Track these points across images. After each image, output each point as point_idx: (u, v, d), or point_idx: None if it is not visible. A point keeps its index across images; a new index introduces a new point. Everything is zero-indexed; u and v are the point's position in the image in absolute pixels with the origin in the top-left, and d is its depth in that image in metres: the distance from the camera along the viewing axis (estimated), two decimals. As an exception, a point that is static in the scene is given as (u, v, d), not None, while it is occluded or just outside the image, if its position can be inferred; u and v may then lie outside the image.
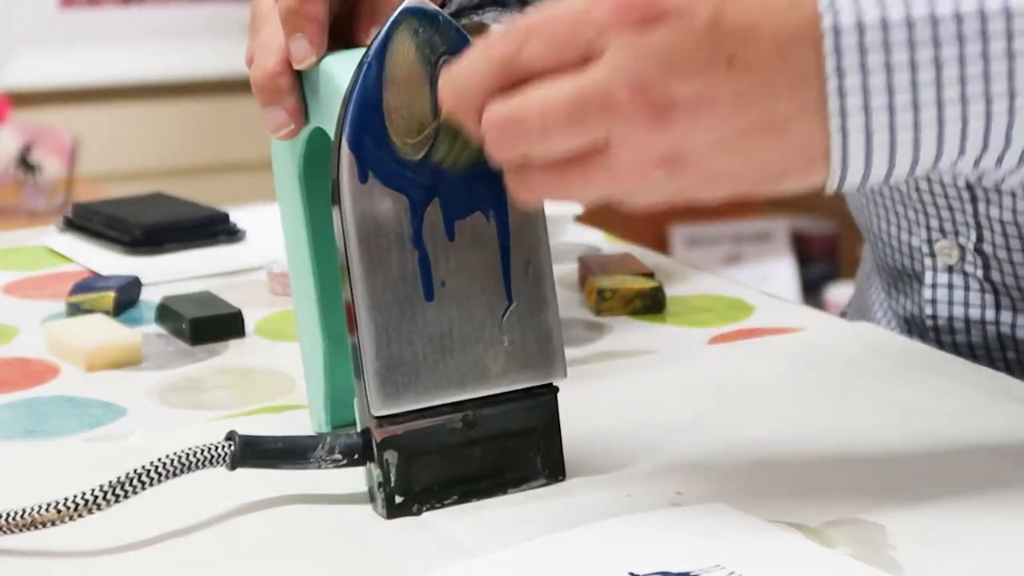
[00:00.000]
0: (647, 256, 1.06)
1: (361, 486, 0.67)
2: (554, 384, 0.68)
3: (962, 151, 0.64)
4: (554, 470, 0.68)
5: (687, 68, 0.61)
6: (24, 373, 0.86)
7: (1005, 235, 0.90)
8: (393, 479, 0.66)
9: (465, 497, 0.67)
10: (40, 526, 0.63)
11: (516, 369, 0.67)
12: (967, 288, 0.93)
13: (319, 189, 0.72)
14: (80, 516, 0.63)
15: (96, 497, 0.63)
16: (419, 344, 0.65)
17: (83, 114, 3.06)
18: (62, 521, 0.63)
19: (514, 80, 0.62)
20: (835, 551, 0.61)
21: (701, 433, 0.74)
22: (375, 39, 0.65)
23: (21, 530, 0.63)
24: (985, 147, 0.64)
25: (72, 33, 3.10)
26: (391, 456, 0.65)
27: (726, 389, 0.80)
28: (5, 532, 0.63)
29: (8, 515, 0.63)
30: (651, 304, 0.94)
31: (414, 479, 0.66)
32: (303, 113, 0.70)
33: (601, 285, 0.94)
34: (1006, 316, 0.93)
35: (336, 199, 0.65)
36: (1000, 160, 0.64)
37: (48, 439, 0.76)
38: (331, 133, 0.67)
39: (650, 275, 0.97)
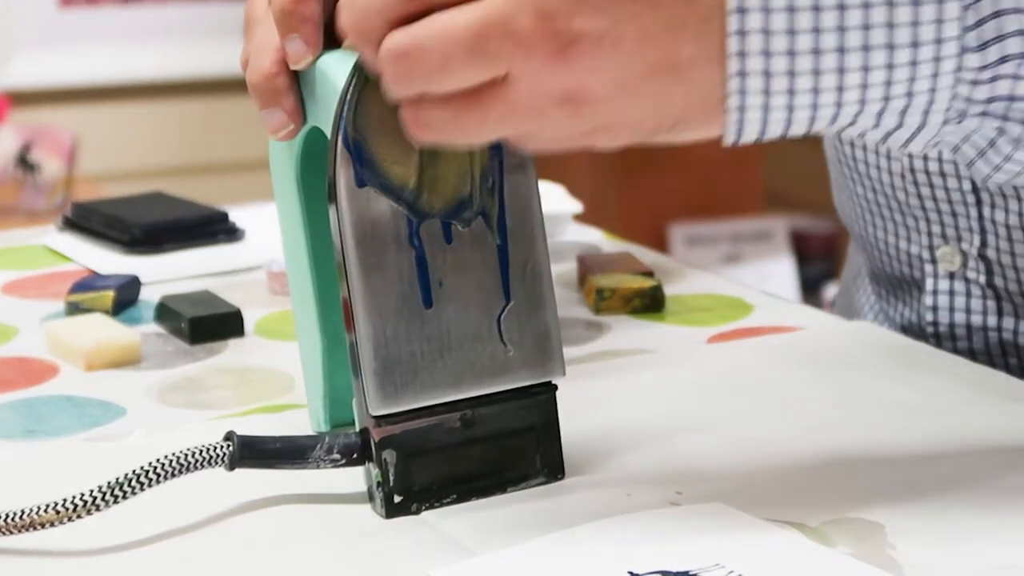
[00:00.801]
0: (646, 255, 1.06)
1: (360, 486, 0.67)
2: (553, 383, 0.68)
3: (862, 102, 0.63)
4: (553, 469, 0.68)
5: (592, 2, 0.59)
6: (23, 373, 0.86)
7: (1010, 239, 0.90)
8: (392, 478, 0.65)
9: (464, 496, 0.67)
10: (39, 527, 0.63)
11: (515, 368, 0.67)
12: (968, 295, 0.93)
13: (316, 188, 0.72)
14: (79, 517, 0.63)
15: (95, 498, 0.63)
16: (417, 343, 0.65)
17: (82, 113, 3.06)
18: (61, 522, 0.63)
19: (416, 10, 0.60)
20: (834, 550, 0.61)
21: (700, 432, 0.74)
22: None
23: (20, 531, 0.63)
24: (886, 98, 0.63)
25: (71, 33, 3.10)
26: (390, 455, 0.65)
27: (725, 388, 0.80)
28: (4, 533, 0.63)
29: (7, 516, 0.63)
30: (650, 303, 0.94)
31: (413, 478, 0.66)
32: (301, 113, 0.70)
33: (600, 284, 0.94)
34: (1008, 322, 0.92)
35: (333, 198, 0.64)
36: (903, 113, 0.64)
37: (47, 439, 0.76)
38: (328, 133, 0.67)
39: (649, 274, 0.97)
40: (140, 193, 1.23)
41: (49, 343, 0.89)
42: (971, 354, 0.93)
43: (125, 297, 0.97)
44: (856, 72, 0.62)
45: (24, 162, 2.74)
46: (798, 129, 0.63)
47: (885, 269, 1.00)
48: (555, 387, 0.68)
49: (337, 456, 0.66)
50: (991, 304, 0.93)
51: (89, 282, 0.97)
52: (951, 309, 0.94)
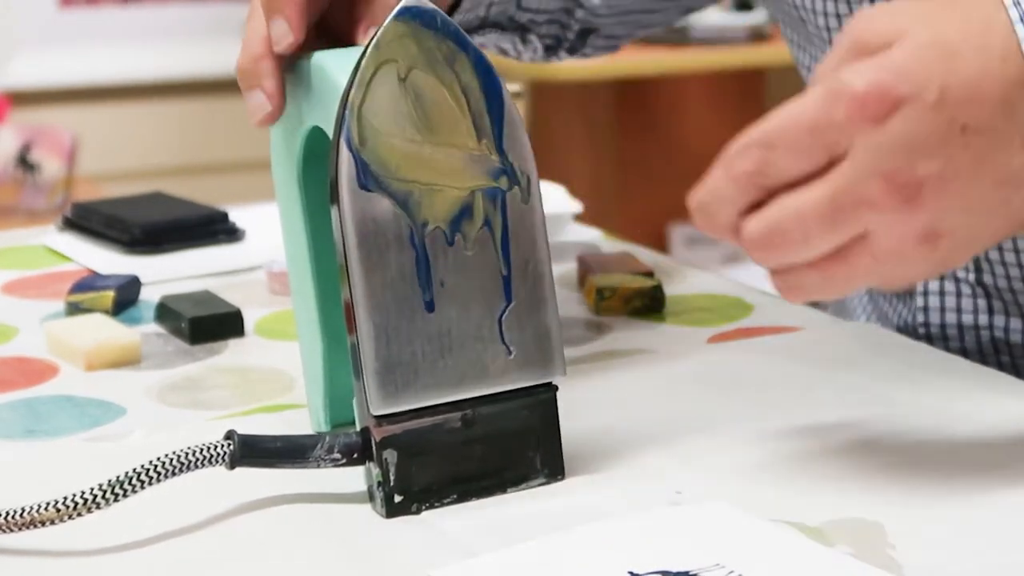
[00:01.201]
0: (646, 255, 1.06)
1: (360, 485, 0.67)
2: (553, 383, 0.68)
3: None
4: (553, 469, 0.68)
5: (927, 148, 0.63)
6: (23, 372, 0.86)
7: None
8: (392, 478, 0.66)
9: (464, 496, 0.67)
10: (39, 525, 0.63)
11: (515, 368, 0.67)
12: (959, 294, 0.93)
13: (318, 189, 0.72)
14: (79, 515, 0.63)
15: (95, 496, 0.63)
16: (418, 343, 0.65)
17: (82, 113, 3.06)
18: (61, 520, 0.63)
19: (763, 194, 0.64)
20: (834, 550, 0.61)
21: (700, 432, 0.74)
22: (372, 37, 0.65)
23: (20, 529, 0.63)
24: None
25: (71, 33, 3.11)
26: (390, 455, 0.65)
27: (725, 388, 0.80)
28: (4, 531, 0.63)
29: (7, 514, 0.63)
30: (650, 303, 0.94)
31: (413, 478, 0.66)
32: (282, 97, 0.70)
33: (600, 284, 0.94)
34: (999, 320, 0.92)
35: (335, 199, 0.65)
36: None
37: (47, 438, 0.76)
38: (329, 132, 0.67)
39: (649, 274, 0.97)
40: (140, 193, 1.23)
41: (49, 343, 0.89)
42: (963, 353, 0.93)
43: (125, 297, 0.97)
44: None
45: (24, 162, 2.75)
46: None
47: None
48: (555, 387, 0.68)
49: (338, 456, 0.66)
50: (981, 303, 0.93)
51: (89, 282, 0.97)
52: (942, 309, 0.94)
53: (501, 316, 0.67)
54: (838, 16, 0.91)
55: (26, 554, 0.63)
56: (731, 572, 0.59)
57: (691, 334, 0.90)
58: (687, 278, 1.01)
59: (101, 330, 0.88)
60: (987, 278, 0.91)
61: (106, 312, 0.94)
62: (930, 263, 0.66)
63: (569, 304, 0.96)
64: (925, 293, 0.94)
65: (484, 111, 0.66)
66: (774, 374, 0.82)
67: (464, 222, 0.66)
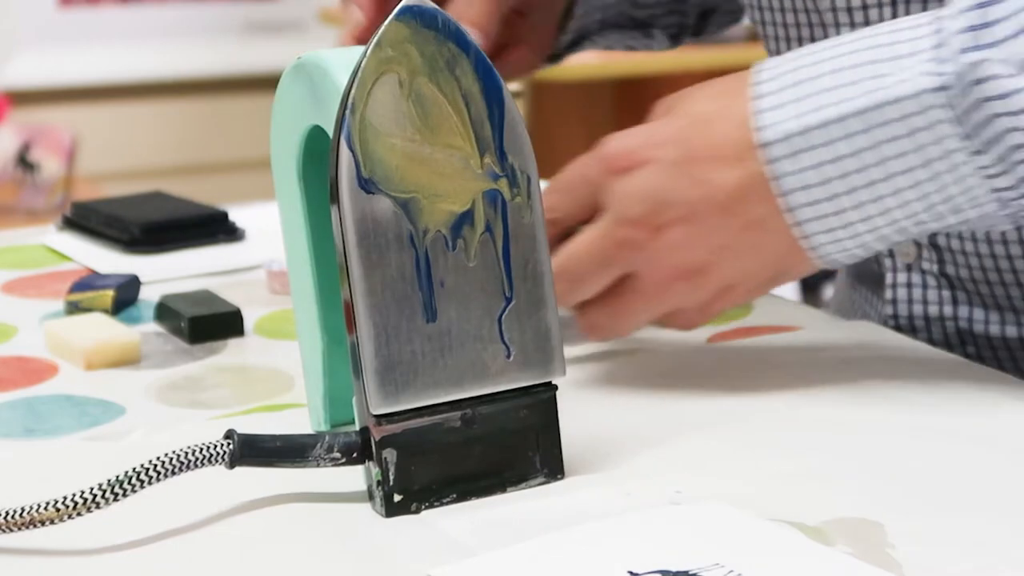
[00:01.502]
0: (646, 255, 1.05)
1: (360, 485, 0.67)
2: (553, 382, 0.68)
3: (913, 214, 0.75)
4: (553, 468, 0.68)
5: (671, 197, 0.75)
6: (23, 372, 0.86)
7: None
8: (392, 477, 0.66)
9: (464, 495, 0.67)
10: (39, 525, 0.63)
11: (515, 367, 0.67)
12: (925, 286, 0.95)
13: (318, 188, 0.72)
14: (79, 515, 0.63)
15: (95, 496, 0.63)
16: (418, 343, 0.65)
17: (82, 113, 3.06)
18: (61, 520, 0.63)
19: (556, 233, 0.78)
20: (834, 549, 0.61)
21: (700, 432, 0.74)
22: (373, 37, 0.65)
23: (20, 529, 0.63)
24: (930, 205, 0.74)
25: (71, 32, 3.11)
26: (390, 454, 0.65)
27: (725, 387, 0.80)
28: (4, 531, 0.63)
29: (7, 514, 0.63)
30: (650, 303, 0.94)
31: (413, 477, 0.66)
32: (379, 13, 0.84)
33: (600, 284, 0.94)
34: (963, 311, 0.94)
35: (335, 198, 0.65)
36: (958, 211, 0.74)
37: (47, 438, 0.76)
38: (329, 132, 0.67)
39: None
40: (140, 192, 1.23)
41: (49, 342, 0.89)
42: (931, 344, 0.94)
43: (125, 296, 0.97)
44: (892, 197, 0.74)
45: (24, 162, 2.75)
46: (878, 244, 0.76)
47: (857, 265, 1.01)
48: (555, 387, 0.68)
49: (337, 455, 0.66)
50: (946, 294, 0.94)
51: (89, 281, 0.97)
52: (909, 301, 0.96)
53: (501, 316, 0.67)
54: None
55: (26, 554, 0.63)
56: (730, 572, 0.59)
57: (691, 334, 0.90)
58: (687, 278, 1.01)
59: (101, 329, 0.88)
60: (950, 269, 0.92)
61: (106, 311, 0.94)
62: (698, 299, 0.78)
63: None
64: (894, 286, 0.96)
65: (485, 119, 0.66)
66: (773, 374, 0.82)
67: (465, 228, 0.66)
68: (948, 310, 0.94)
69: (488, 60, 0.66)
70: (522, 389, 0.67)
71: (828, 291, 2.76)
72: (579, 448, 0.70)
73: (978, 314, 0.94)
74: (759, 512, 0.64)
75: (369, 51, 0.65)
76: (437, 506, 0.66)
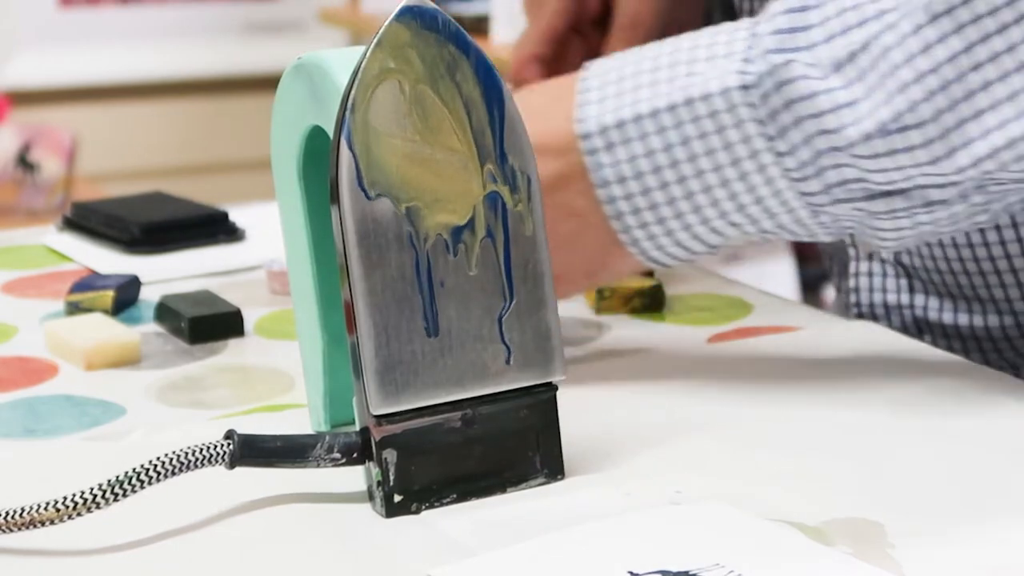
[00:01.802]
0: (646, 255, 1.05)
1: (360, 485, 0.67)
2: (553, 383, 0.68)
3: (731, 222, 0.77)
4: (553, 469, 0.68)
5: None
6: (23, 372, 0.86)
7: None
8: (392, 478, 0.66)
9: (464, 496, 0.67)
10: (39, 525, 0.63)
11: (515, 368, 0.67)
12: (884, 274, 0.96)
13: (318, 188, 0.72)
14: (79, 515, 0.63)
15: (95, 496, 0.63)
16: (418, 343, 0.65)
17: (82, 113, 3.06)
18: (61, 520, 0.63)
19: None
20: (834, 549, 0.61)
21: (700, 432, 0.74)
22: (373, 37, 0.65)
23: (20, 529, 0.63)
24: (747, 216, 0.76)
25: (71, 32, 3.11)
26: (390, 455, 0.65)
27: (725, 388, 0.80)
28: (4, 531, 0.63)
29: (7, 514, 0.63)
30: (650, 303, 0.94)
31: (413, 478, 0.66)
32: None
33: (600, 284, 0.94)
34: (919, 299, 0.95)
35: (335, 198, 0.65)
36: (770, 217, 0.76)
37: (47, 438, 0.76)
38: (329, 132, 0.67)
39: (649, 274, 0.97)
40: (140, 193, 1.23)
41: (49, 343, 0.89)
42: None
43: (125, 297, 0.97)
44: (703, 194, 0.76)
45: (24, 162, 2.75)
46: (695, 244, 0.78)
47: (832, 258, 1.03)
48: (555, 387, 0.68)
49: (337, 455, 0.66)
50: (903, 282, 0.96)
51: (89, 282, 0.97)
52: (870, 289, 0.97)
53: (501, 316, 0.67)
54: None
55: (25, 554, 0.63)
56: (730, 572, 0.59)
57: (691, 334, 0.90)
58: (687, 278, 1.01)
59: (101, 330, 0.88)
60: (905, 258, 0.94)
61: (106, 312, 0.94)
62: None
63: (569, 304, 0.96)
64: (856, 274, 0.98)
65: (486, 126, 0.66)
66: (774, 374, 0.82)
67: (465, 234, 0.66)
68: (905, 298, 0.96)
69: (488, 60, 0.66)
70: (522, 389, 0.67)
71: (828, 291, 2.76)
72: (579, 448, 0.70)
73: (933, 303, 0.95)
74: (759, 512, 0.64)
75: (369, 51, 0.65)
76: (437, 506, 0.66)
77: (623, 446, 0.72)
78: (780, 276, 2.91)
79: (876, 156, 0.72)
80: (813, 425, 0.75)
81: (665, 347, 0.87)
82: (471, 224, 0.66)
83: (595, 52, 0.95)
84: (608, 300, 0.94)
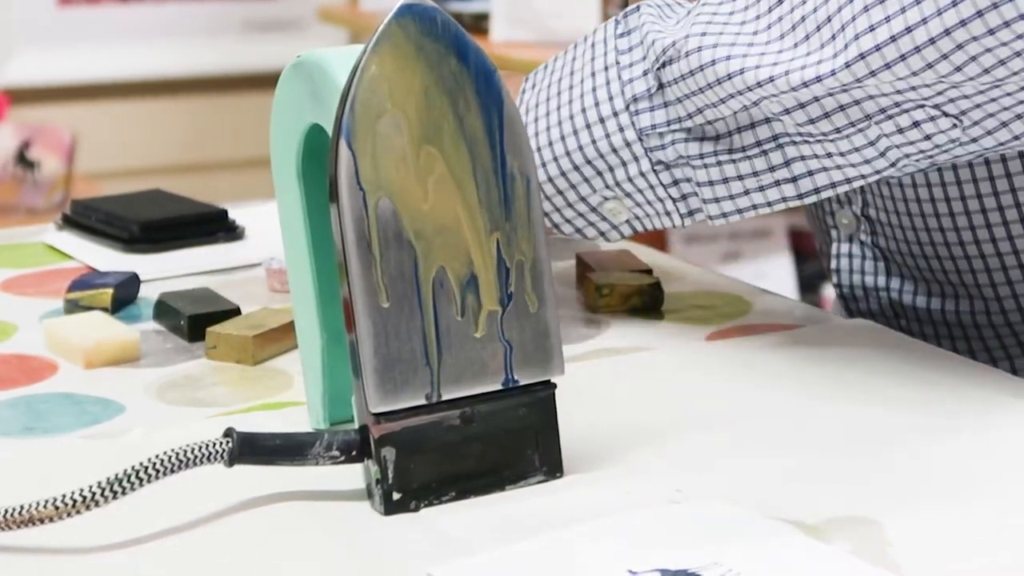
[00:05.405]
0: (645, 253, 1.06)
1: (359, 483, 0.67)
2: (552, 381, 0.68)
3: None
4: (552, 467, 0.68)
5: None
6: (22, 370, 0.86)
7: (882, 197, 0.93)
8: (391, 476, 0.66)
9: (463, 494, 0.67)
10: (38, 523, 0.63)
11: (514, 366, 0.67)
12: (863, 257, 0.97)
13: (318, 187, 0.72)
14: (78, 513, 0.63)
15: (94, 494, 0.63)
16: (417, 341, 0.65)
17: (81, 111, 3.06)
18: (60, 518, 0.63)
19: None
20: (833, 548, 0.61)
21: (699, 430, 0.74)
22: (372, 36, 0.65)
23: (19, 527, 0.63)
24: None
25: (70, 30, 3.10)
26: (389, 453, 0.65)
27: (724, 386, 0.80)
28: (3, 529, 0.63)
29: (6, 512, 0.63)
30: (649, 301, 0.94)
31: (412, 476, 0.66)
32: None
33: (599, 282, 0.94)
34: (895, 283, 0.96)
35: (334, 197, 0.65)
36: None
37: (46, 436, 0.76)
38: (329, 130, 0.67)
39: (648, 272, 0.97)
40: (139, 191, 1.23)
41: (48, 341, 0.89)
42: (870, 315, 0.97)
43: (124, 295, 0.97)
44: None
45: (23, 160, 2.74)
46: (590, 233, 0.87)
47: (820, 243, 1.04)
48: (554, 385, 0.68)
49: (336, 453, 0.66)
50: (880, 265, 0.97)
51: (88, 279, 0.97)
52: (850, 271, 0.98)
53: (500, 314, 0.67)
54: None
55: (25, 552, 0.63)
56: (729, 570, 0.59)
57: (690, 332, 0.90)
58: (686, 276, 1.01)
59: (100, 328, 0.88)
60: (881, 241, 0.95)
61: (105, 310, 0.94)
62: None
63: (568, 302, 0.96)
64: (837, 256, 0.99)
65: (495, 193, 0.66)
66: (773, 372, 0.82)
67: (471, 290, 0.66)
68: (882, 281, 0.97)
69: (488, 63, 0.66)
70: (521, 388, 0.67)
71: (827, 289, 2.75)
72: (578, 447, 0.70)
73: (908, 286, 0.96)
74: (759, 511, 0.64)
75: (368, 51, 0.65)
76: (436, 504, 0.66)
77: (622, 444, 0.72)
78: (779, 274, 2.91)
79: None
80: (812, 423, 0.75)
81: (664, 345, 0.87)
82: (475, 285, 0.66)
83: None
84: (607, 298, 0.94)
